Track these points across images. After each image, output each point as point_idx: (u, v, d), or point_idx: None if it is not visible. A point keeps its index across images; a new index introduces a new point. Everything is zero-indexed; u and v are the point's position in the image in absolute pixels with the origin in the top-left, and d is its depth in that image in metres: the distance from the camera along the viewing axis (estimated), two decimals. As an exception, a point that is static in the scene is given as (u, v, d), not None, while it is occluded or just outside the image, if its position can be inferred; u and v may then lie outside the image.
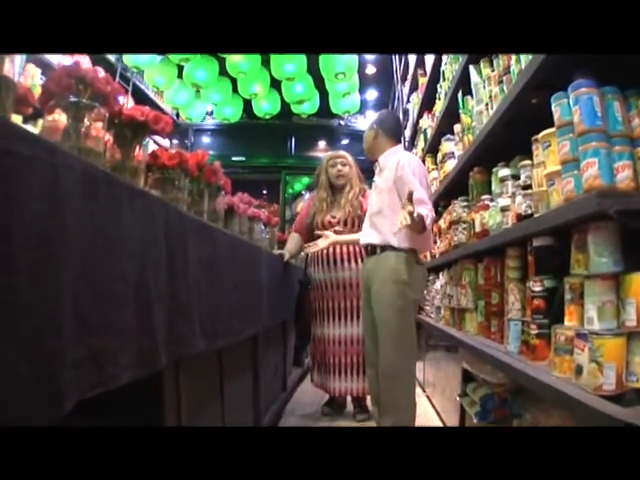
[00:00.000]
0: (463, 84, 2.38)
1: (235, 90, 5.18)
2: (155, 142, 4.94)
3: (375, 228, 2.16)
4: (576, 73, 1.19)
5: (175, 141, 6.72)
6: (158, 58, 4.58)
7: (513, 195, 1.63)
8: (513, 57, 1.63)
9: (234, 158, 6.81)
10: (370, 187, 2.53)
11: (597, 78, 1.16)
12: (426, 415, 2.72)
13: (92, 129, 0.98)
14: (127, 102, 4.26)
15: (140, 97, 5.14)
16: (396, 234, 1.96)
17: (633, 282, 1.04)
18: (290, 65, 4.55)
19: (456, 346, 2.22)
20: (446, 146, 2.90)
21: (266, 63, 4.77)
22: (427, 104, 3.65)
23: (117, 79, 4.43)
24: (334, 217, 2.81)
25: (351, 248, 2.76)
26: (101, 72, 1.07)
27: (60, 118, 0.96)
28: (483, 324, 1.98)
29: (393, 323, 2.03)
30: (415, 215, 1.79)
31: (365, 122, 6.27)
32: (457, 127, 2.62)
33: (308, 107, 5.45)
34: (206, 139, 7.32)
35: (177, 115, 6.15)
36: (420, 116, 3.96)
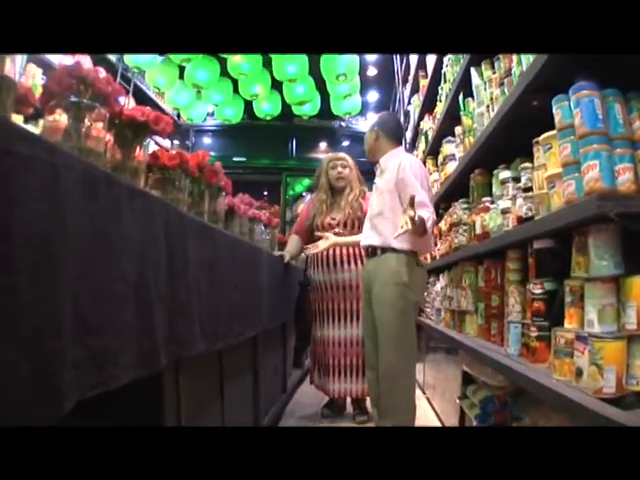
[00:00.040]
0: (464, 86, 2.38)
1: (236, 91, 5.18)
2: (156, 143, 4.95)
3: (376, 230, 2.16)
4: (577, 75, 1.19)
5: (176, 142, 6.72)
6: (159, 58, 4.58)
7: (514, 197, 1.63)
8: (514, 59, 1.63)
9: (235, 159, 6.81)
10: (370, 189, 2.53)
11: (598, 81, 1.16)
12: (426, 417, 2.72)
13: (93, 129, 0.98)
14: (128, 102, 4.26)
15: (141, 97, 5.15)
16: (395, 238, 1.95)
17: (633, 285, 1.04)
18: (292, 66, 4.55)
19: (456, 348, 2.22)
20: (447, 148, 2.90)
21: (267, 64, 4.77)
22: (428, 106, 3.65)
23: (118, 79, 4.43)
24: (334, 219, 2.81)
25: (351, 250, 2.76)
26: (102, 72, 1.07)
27: (61, 118, 0.96)
28: (483, 326, 1.98)
29: (393, 325, 2.03)
30: (416, 219, 1.79)
31: (366, 124, 6.28)
32: (458, 129, 2.62)
33: (309, 108, 5.45)
34: (207, 140, 7.32)
35: (178, 116, 6.16)
36: (421, 118, 3.96)
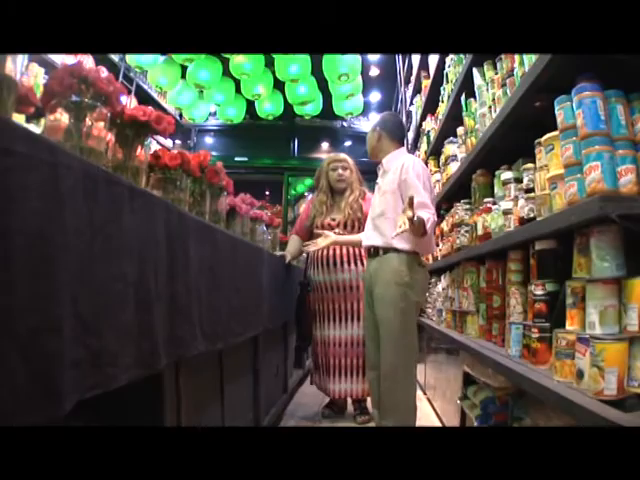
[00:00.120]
0: (466, 87, 2.38)
1: (238, 91, 5.19)
2: (158, 142, 4.96)
3: (378, 230, 2.16)
4: (580, 76, 1.18)
5: (178, 141, 6.74)
6: (161, 58, 4.59)
7: (516, 198, 1.63)
8: (517, 59, 1.62)
9: (237, 159, 6.81)
10: (372, 189, 2.53)
11: (601, 81, 1.16)
12: (427, 418, 2.71)
13: (94, 129, 0.98)
14: (130, 102, 4.27)
15: (143, 97, 5.16)
16: (393, 238, 1.96)
17: (635, 287, 1.03)
18: (294, 66, 4.55)
19: (457, 349, 2.21)
20: (449, 149, 2.90)
21: (269, 64, 4.77)
22: (430, 106, 3.65)
23: (120, 79, 4.44)
24: (334, 220, 2.81)
25: (351, 250, 2.76)
26: (104, 72, 1.07)
27: (62, 118, 0.96)
28: (484, 327, 1.98)
29: (395, 325, 2.03)
30: (415, 219, 1.79)
31: (368, 124, 6.27)
32: (460, 130, 2.62)
33: (311, 108, 5.46)
34: (209, 139, 7.33)
35: (180, 115, 6.17)
36: (423, 118, 3.96)
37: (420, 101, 4.24)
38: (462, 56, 2.52)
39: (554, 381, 1.19)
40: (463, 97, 2.48)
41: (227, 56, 4.58)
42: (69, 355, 0.70)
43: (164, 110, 5.39)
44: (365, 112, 6.40)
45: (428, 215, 1.91)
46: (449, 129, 2.89)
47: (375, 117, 3.47)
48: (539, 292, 1.41)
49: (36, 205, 0.64)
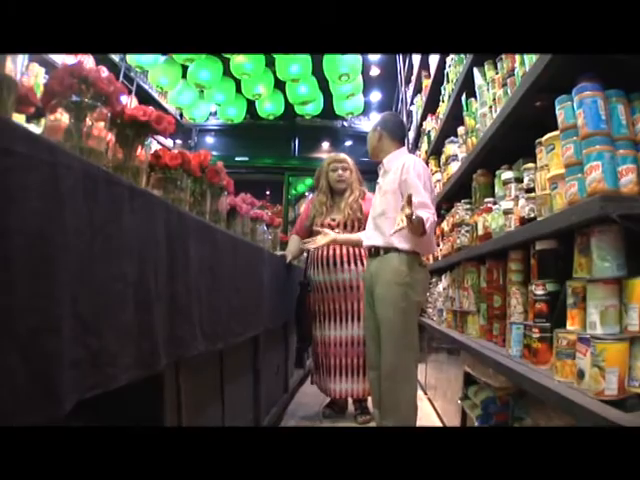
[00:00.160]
0: (467, 86, 2.38)
1: (239, 90, 5.18)
2: (159, 142, 4.96)
3: (379, 230, 2.16)
4: (580, 76, 1.18)
5: (179, 141, 6.74)
6: (162, 58, 4.59)
7: (516, 198, 1.63)
8: (517, 59, 1.62)
9: (237, 158, 6.81)
10: (372, 188, 2.53)
11: (601, 81, 1.15)
12: (427, 418, 2.71)
13: (94, 129, 0.98)
14: (131, 102, 4.27)
15: (144, 97, 5.16)
16: (391, 235, 1.96)
17: (636, 287, 1.03)
18: (295, 66, 4.55)
19: (458, 349, 2.21)
20: (450, 148, 2.90)
21: (270, 64, 4.77)
22: (431, 106, 3.65)
23: (121, 79, 4.44)
24: (334, 220, 2.81)
25: (351, 250, 2.76)
26: (104, 72, 1.07)
27: (62, 118, 0.96)
28: (485, 327, 1.98)
29: (396, 324, 2.03)
30: (414, 217, 1.79)
31: (369, 124, 6.26)
32: (461, 129, 2.61)
33: (312, 108, 5.45)
34: (210, 139, 7.33)
35: (181, 115, 6.17)
36: (424, 118, 3.95)
37: (421, 101, 4.24)
38: (463, 56, 2.52)
39: (555, 381, 1.19)
40: (464, 97, 2.48)
41: (228, 56, 4.57)
42: (69, 355, 0.70)
43: (165, 110, 5.39)
44: (366, 112, 6.40)
45: (427, 215, 1.91)
46: (450, 129, 2.89)
47: (376, 117, 3.47)
48: (540, 292, 1.40)
49: (36, 205, 0.64)
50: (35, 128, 2.02)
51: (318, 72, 4.78)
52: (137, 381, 0.91)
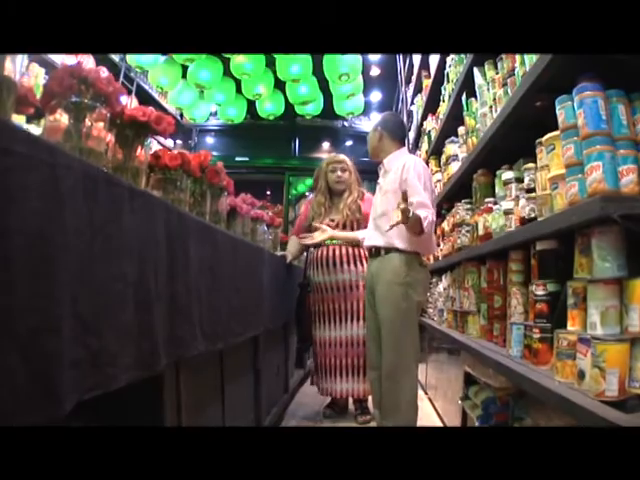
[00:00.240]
0: (467, 86, 2.38)
1: (239, 91, 5.18)
2: (159, 142, 4.95)
3: (379, 230, 2.17)
4: (580, 76, 1.18)
5: (179, 141, 6.73)
6: (162, 58, 4.59)
7: (517, 198, 1.63)
8: (517, 59, 1.62)
9: (238, 159, 6.81)
10: (372, 188, 2.53)
11: (602, 81, 1.15)
12: (428, 418, 2.71)
13: (93, 129, 0.98)
14: (131, 102, 4.27)
15: (144, 97, 5.15)
16: (387, 231, 1.97)
17: (637, 287, 1.03)
18: (296, 66, 4.55)
19: (458, 349, 2.21)
20: (450, 148, 2.90)
21: (270, 64, 4.77)
22: (431, 106, 3.65)
23: (121, 79, 4.44)
24: (332, 220, 2.81)
25: (350, 250, 2.76)
26: (105, 72, 1.07)
27: (62, 118, 0.96)
28: (485, 327, 1.97)
29: (396, 325, 2.03)
30: (410, 215, 1.79)
31: (369, 124, 6.26)
32: (461, 129, 2.61)
33: (312, 108, 5.45)
34: (210, 139, 7.33)
35: (181, 115, 6.17)
36: (424, 118, 3.95)
37: (421, 101, 4.23)
38: (463, 56, 2.52)
39: (555, 382, 1.19)
40: (464, 97, 2.48)
41: (228, 56, 4.57)
42: (69, 355, 0.70)
43: (165, 110, 5.39)
44: (366, 112, 6.39)
45: (426, 214, 1.91)
46: (450, 129, 2.88)
47: (376, 117, 3.47)
48: (540, 292, 1.40)
49: (36, 205, 0.64)
50: (35, 129, 2.02)
51: (318, 72, 4.77)
52: (137, 381, 0.91)
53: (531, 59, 1.46)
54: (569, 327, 1.21)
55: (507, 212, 1.70)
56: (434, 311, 3.16)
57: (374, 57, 5.77)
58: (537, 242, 1.46)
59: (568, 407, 1.04)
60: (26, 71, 2.77)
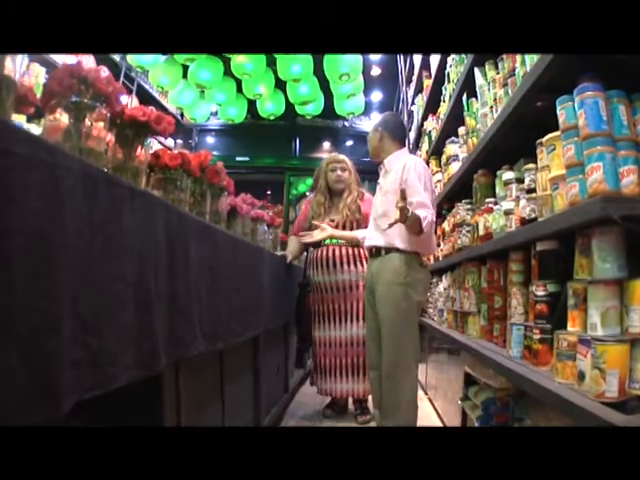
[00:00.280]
0: (468, 86, 2.38)
1: (239, 90, 5.18)
2: (160, 142, 4.95)
3: (380, 230, 2.16)
4: (581, 76, 1.18)
5: (179, 141, 6.73)
6: (162, 58, 4.58)
7: (517, 199, 1.63)
8: (518, 59, 1.62)
9: (238, 158, 6.81)
10: (373, 188, 2.54)
11: (603, 82, 1.15)
12: (428, 418, 2.71)
13: (93, 129, 0.98)
14: (131, 102, 4.27)
15: (145, 97, 5.15)
16: (384, 230, 1.97)
17: (637, 288, 1.03)
18: (297, 66, 4.54)
19: (458, 349, 2.21)
20: (450, 148, 2.89)
21: (271, 64, 4.77)
22: (432, 106, 3.64)
23: (121, 79, 4.43)
24: (332, 221, 2.81)
25: (350, 250, 2.76)
26: (105, 71, 1.07)
27: (61, 118, 0.96)
28: (486, 328, 1.97)
29: (396, 324, 2.03)
30: (409, 215, 1.79)
31: (370, 124, 6.25)
32: (462, 129, 2.61)
33: (313, 108, 5.45)
34: (210, 139, 7.33)
35: (181, 115, 6.16)
36: (425, 118, 3.95)
37: (422, 101, 4.23)
38: (463, 56, 2.52)
39: (555, 383, 1.19)
40: (465, 97, 2.48)
41: (228, 56, 4.57)
42: (69, 355, 0.70)
43: (165, 110, 5.39)
44: (366, 112, 6.38)
45: (425, 214, 1.91)
46: (450, 129, 2.88)
47: (377, 117, 3.46)
48: (540, 293, 1.40)
49: (36, 205, 0.64)
50: (36, 128, 2.02)
51: (319, 72, 4.77)
52: (137, 381, 0.91)
53: (532, 59, 1.45)
54: (569, 328, 1.21)
55: (507, 212, 1.70)
56: (434, 311, 3.16)
57: (375, 57, 5.76)
58: (537, 242, 1.46)
59: (568, 408, 1.04)
60: (27, 70, 2.77)
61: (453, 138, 2.86)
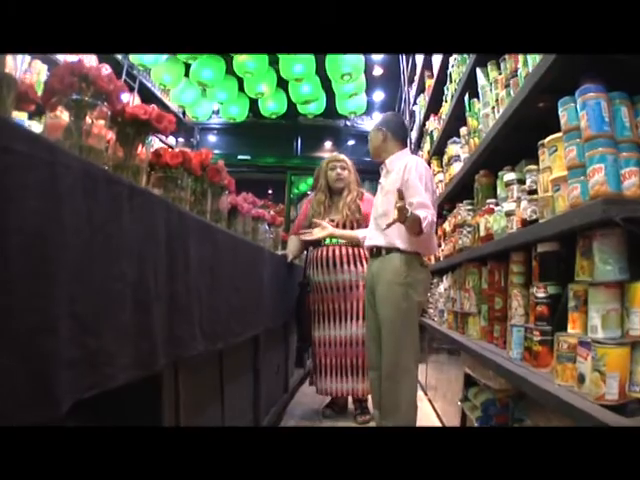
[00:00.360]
0: (470, 87, 2.37)
1: (241, 89, 5.18)
2: (161, 140, 4.95)
3: (380, 230, 2.16)
4: (584, 77, 1.17)
5: (181, 139, 6.73)
6: (164, 56, 4.58)
7: (518, 200, 1.62)
8: (520, 60, 1.61)
9: (240, 157, 6.80)
10: (373, 188, 2.53)
11: (605, 83, 1.15)
12: (427, 418, 2.71)
13: (94, 127, 0.98)
14: (133, 100, 4.27)
15: (146, 95, 5.15)
16: (383, 230, 1.97)
17: (638, 291, 1.02)
18: (299, 65, 4.54)
19: (458, 350, 2.21)
20: (452, 149, 2.89)
21: (273, 63, 4.76)
22: (434, 106, 3.64)
23: (124, 77, 4.43)
24: (332, 220, 2.81)
25: (350, 250, 2.76)
26: (107, 69, 1.06)
27: (62, 115, 0.95)
28: (486, 329, 1.97)
29: (397, 325, 2.03)
30: (409, 214, 1.79)
31: (371, 123, 6.25)
32: (463, 130, 2.61)
33: (314, 107, 5.44)
34: (212, 138, 7.32)
35: (183, 113, 6.16)
36: (427, 118, 3.95)
37: (424, 101, 4.23)
38: (466, 56, 2.51)
39: (555, 385, 1.18)
40: (466, 97, 2.47)
41: (230, 55, 4.57)
42: (66, 355, 0.70)
43: (167, 108, 5.39)
44: (368, 111, 6.37)
45: (425, 214, 1.91)
46: (452, 129, 2.88)
47: (378, 116, 3.46)
48: (541, 295, 1.40)
49: (35, 204, 0.64)
50: (37, 125, 2.02)
51: (321, 71, 4.77)
52: (136, 381, 0.91)
53: (534, 60, 1.45)
54: (569, 330, 1.21)
55: (509, 213, 1.70)
56: (434, 312, 3.16)
57: (377, 57, 5.75)
58: (538, 244, 1.46)
59: (568, 410, 1.04)
60: (29, 68, 2.77)
61: (455, 138, 2.86)
